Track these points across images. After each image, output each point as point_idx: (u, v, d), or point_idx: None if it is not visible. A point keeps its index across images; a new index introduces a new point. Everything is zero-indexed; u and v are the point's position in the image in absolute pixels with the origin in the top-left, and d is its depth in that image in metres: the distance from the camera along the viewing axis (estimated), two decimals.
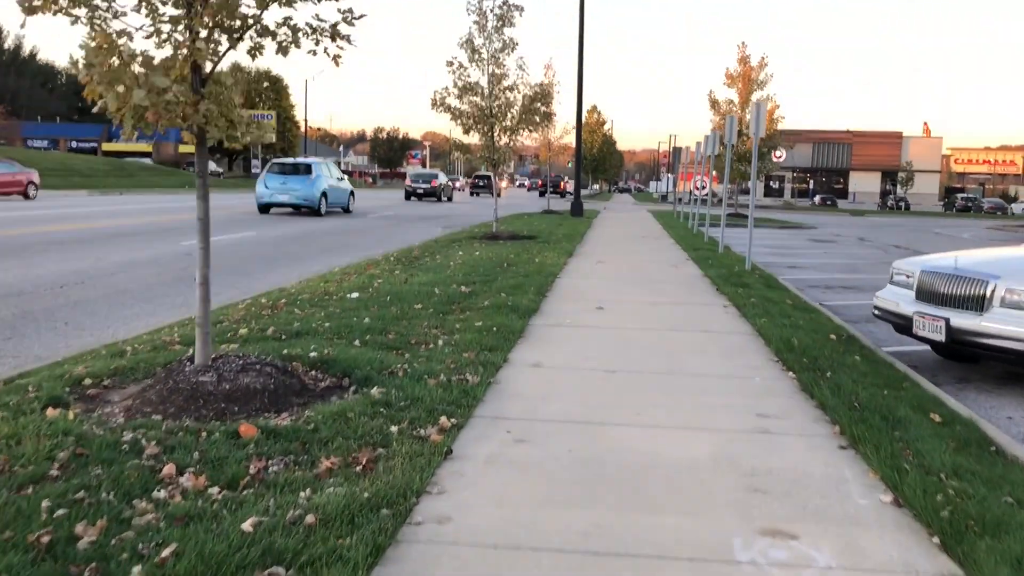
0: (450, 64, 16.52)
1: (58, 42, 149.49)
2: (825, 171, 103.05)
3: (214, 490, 3.55)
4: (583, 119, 33.42)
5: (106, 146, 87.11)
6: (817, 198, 78.45)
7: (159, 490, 3.51)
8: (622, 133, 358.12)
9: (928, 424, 4.91)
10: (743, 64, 35.58)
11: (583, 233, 20.54)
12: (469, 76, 16.66)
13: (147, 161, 79.38)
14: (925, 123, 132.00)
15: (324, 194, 26.96)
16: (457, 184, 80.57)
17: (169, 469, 3.72)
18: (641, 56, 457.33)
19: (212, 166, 78.80)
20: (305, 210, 26.61)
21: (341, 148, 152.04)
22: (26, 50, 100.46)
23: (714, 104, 36.62)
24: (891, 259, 20.58)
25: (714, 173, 35.36)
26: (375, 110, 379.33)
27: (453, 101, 16.87)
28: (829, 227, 35.82)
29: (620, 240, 19.52)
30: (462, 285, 9.84)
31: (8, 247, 13.79)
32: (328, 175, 28.12)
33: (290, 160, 30.02)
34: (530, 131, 17.13)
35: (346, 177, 32.19)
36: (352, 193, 30.59)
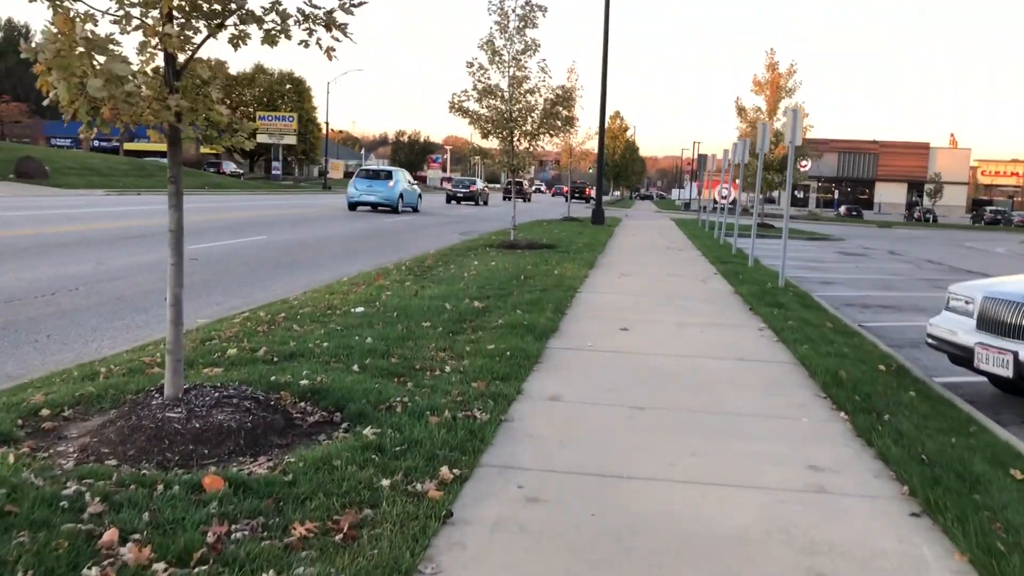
0: (469, 66, 15.91)
1: None
2: (850, 181, 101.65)
3: (159, 566, 2.91)
4: (605, 124, 32.76)
5: (128, 145, 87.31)
6: (843, 208, 77.15)
7: (91, 566, 2.87)
8: (644, 139, 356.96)
9: (1011, 484, 4.20)
10: (771, 71, 34.75)
11: (605, 242, 19.85)
12: (489, 79, 16.06)
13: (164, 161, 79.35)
14: (951, 134, 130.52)
15: (401, 196, 32.90)
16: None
17: (111, 535, 3.08)
18: (663, 63, 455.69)
19: (232, 167, 78.77)
20: (384, 208, 32.67)
21: (363, 151, 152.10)
22: None
23: (741, 111, 35.84)
24: (925, 275, 19.94)
25: (736, 181, 34.57)
26: (398, 114, 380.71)
27: (472, 104, 16.27)
28: (858, 239, 34.89)
29: (643, 251, 18.81)
30: (475, 300, 9.19)
31: (9, 248, 13.31)
32: (404, 180, 33.99)
33: (374, 167, 38.33)
34: (551, 136, 16.47)
35: (416, 183, 38.07)
36: (420, 196, 36.75)
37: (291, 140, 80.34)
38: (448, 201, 51.69)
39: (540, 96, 16.30)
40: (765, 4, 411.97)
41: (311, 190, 67.04)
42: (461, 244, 17.52)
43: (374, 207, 32.69)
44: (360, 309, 8.32)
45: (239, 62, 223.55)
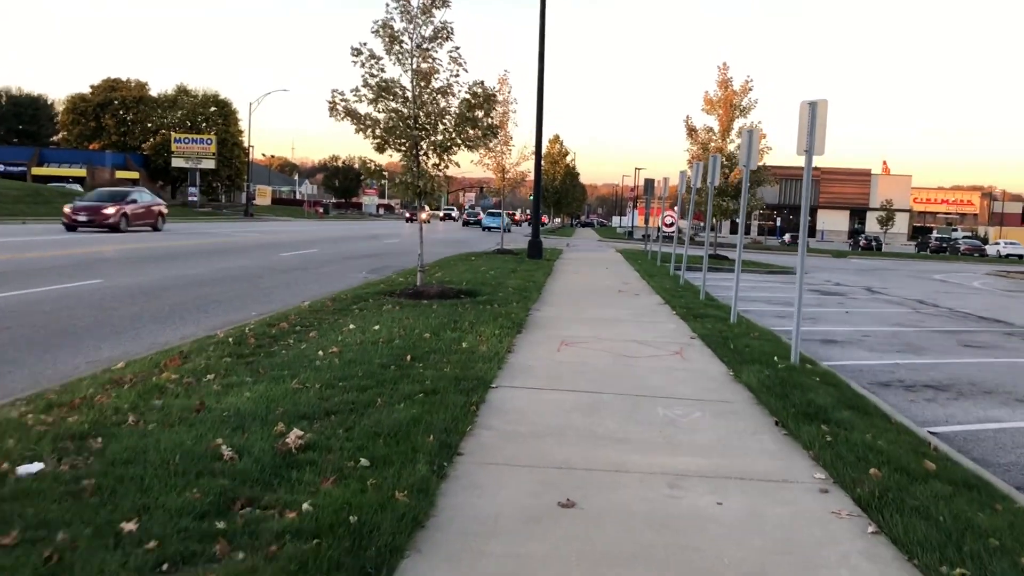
0: (356, 54, 11.81)
1: None
2: (792, 208, 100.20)
3: None
4: (543, 148, 28.99)
5: (36, 170, 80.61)
6: (787, 236, 75.08)
7: None
8: (584, 166, 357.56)
9: None
10: (724, 88, 31.55)
11: (542, 285, 15.83)
12: (384, 71, 11.98)
13: (76, 187, 72.96)
14: (884, 161, 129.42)
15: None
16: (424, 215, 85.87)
17: None
18: (602, 92, 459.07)
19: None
20: None
21: (297, 177, 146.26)
22: None
23: (691, 132, 32.53)
24: (936, 324, 15.86)
25: (674, 209, 31.18)
26: (340, 140, 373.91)
27: (363, 106, 12.16)
28: (819, 272, 31.65)
29: (591, 296, 14.83)
30: (299, 423, 5.03)
31: None
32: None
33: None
34: (468, 148, 12.41)
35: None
36: None
37: (210, 164, 74.94)
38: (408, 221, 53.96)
39: (454, 97, 12.27)
40: (707, 26, 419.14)
41: (231, 218, 61.87)
42: (351, 291, 13.29)
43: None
44: (35, 468, 4.09)
45: (161, 83, 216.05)
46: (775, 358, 8.44)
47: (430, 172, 12.38)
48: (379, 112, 12.19)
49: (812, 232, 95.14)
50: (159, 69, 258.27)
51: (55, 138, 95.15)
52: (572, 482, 4.45)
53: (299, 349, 7.77)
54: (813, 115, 8.04)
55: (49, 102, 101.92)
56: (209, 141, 74.73)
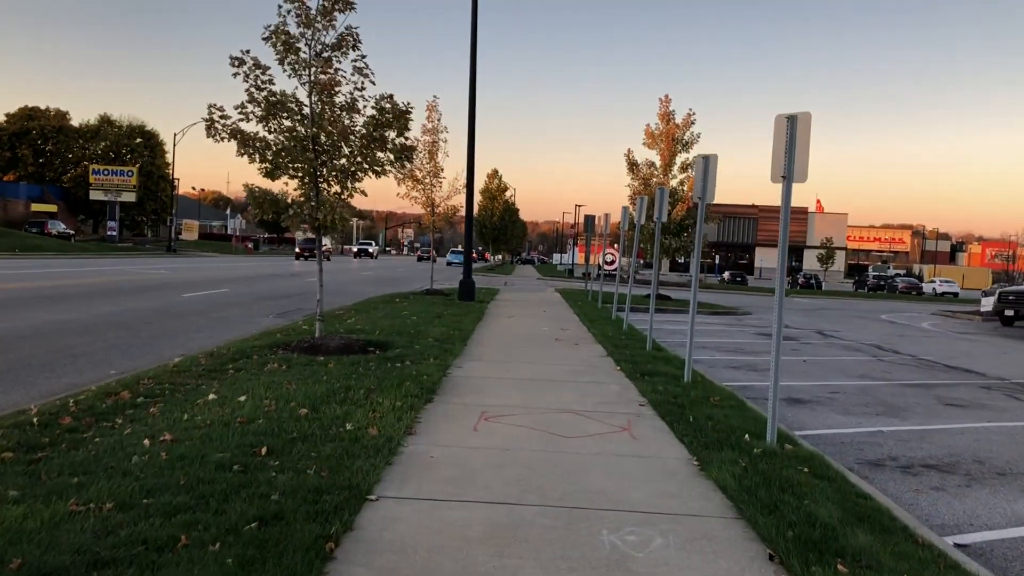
0: (238, 64, 9.86)
1: None
2: (730, 246, 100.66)
3: None
4: (481, 183, 27.30)
5: None
6: (726, 274, 74.66)
7: None
8: (524, 204, 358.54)
9: None
10: (666, 121, 30.36)
11: (468, 333, 13.93)
12: (274, 84, 10.07)
13: None
14: (818, 200, 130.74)
15: None
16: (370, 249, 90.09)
17: None
18: (543, 130, 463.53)
19: (60, 227, 68.50)
20: None
21: (228, 211, 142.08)
22: None
23: (633, 167, 31.19)
24: (905, 375, 14.18)
25: (615, 246, 29.61)
26: None
27: (252, 125, 10.22)
28: (765, 312, 30.52)
29: (523, 347, 12.98)
30: None
31: None
32: None
33: None
34: (375, 174, 10.49)
35: None
36: None
37: (130, 197, 71.39)
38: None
39: (359, 115, 10.40)
40: (650, 63, 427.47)
41: (150, 253, 58.59)
42: (238, 344, 11.19)
43: None
44: None
45: (82, 111, 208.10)
46: (746, 436, 6.70)
47: (331, 202, 10.44)
48: (269, 132, 10.26)
49: (751, 270, 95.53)
50: (82, 98, 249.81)
51: None
52: None
53: (120, 436, 5.73)
54: (706, 166, 6.43)
55: None
56: (130, 173, 71.25)
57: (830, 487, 5.47)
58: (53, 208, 76.95)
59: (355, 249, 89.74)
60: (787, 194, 6.53)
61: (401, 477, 5.15)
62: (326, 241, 52.12)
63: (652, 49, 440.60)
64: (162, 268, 35.68)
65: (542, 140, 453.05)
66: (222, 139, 9.90)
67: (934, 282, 71.32)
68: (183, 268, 37.54)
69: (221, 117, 9.88)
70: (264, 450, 5.38)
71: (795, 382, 11.95)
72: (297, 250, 65.46)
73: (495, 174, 75.61)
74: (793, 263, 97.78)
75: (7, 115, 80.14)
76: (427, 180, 23.11)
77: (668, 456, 6.12)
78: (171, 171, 76.37)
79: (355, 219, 10.93)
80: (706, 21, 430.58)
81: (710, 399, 8.45)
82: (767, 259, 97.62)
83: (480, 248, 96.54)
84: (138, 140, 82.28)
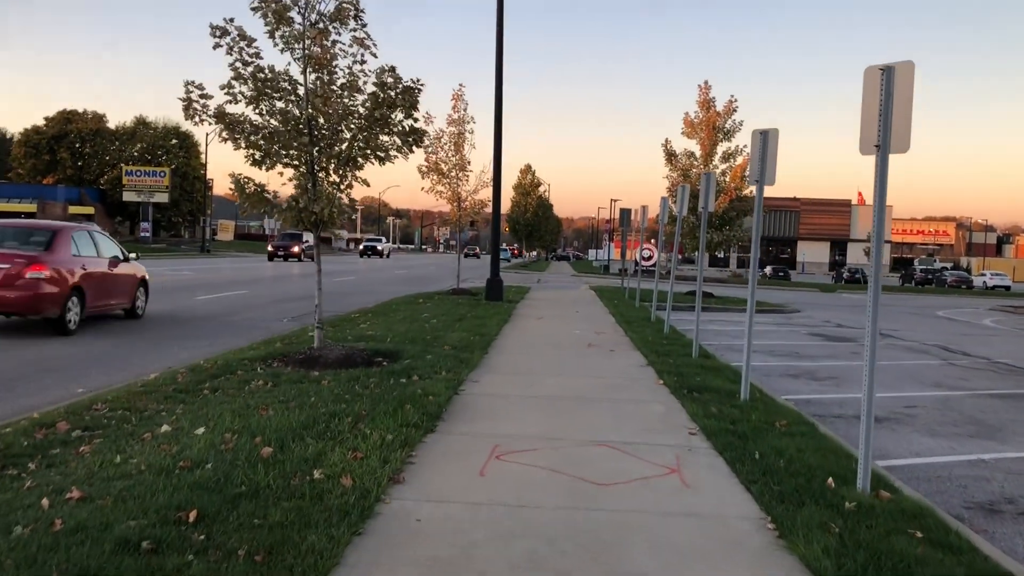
0: (220, 34, 8.58)
1: None
2: (772, 240, 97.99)
3: None
4: (513, 178, 25.86)
5: None
6: (768, 269, 72.36)
7: None
8: (559, 200, 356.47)
9: None
10: (706, 108, 28.66)
11: (491, 339, 12.55)
12: (261, 57, 8.77)
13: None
14: (859, 192, 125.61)
15: None
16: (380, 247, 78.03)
17: None
18: (579, 124, 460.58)
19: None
20: None
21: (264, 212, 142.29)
22: None
23: (671, 157, 29.56)
24: (984, 382, 11.60)
25: (652, 241, 28.05)
26: None
27: (239, 107, 8.94)
28: (811, 309, 28.71)
29: (552, 354, 11.56)
30: None
31: None
32: None
33: None
34: (379, 161, 9.14)
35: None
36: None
37: (163, 198, 71.18)
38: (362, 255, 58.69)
39: (360, 93, 9.06)
40: (689, 51, 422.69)
41: (184, 254, 58.16)
42: (229, 355, 9.91)
43: None
44: None
45: (119, 114, 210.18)
46: (830, 481, 5.22)
47: (329, 193, 9.11)
48: (258, 115, 8.96)
49: (792, 264, 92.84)
50: (118, 100, 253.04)
51: (9, 173, 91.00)
52: None
53: (14, 494, 4.44)
54: (890, 89, 4.91)
55: (9, 136, 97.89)
56: (162, 174, 71.02)
57: (957, 563, 4.00)
58: (90, 210, 77.15)
59: (362, 246, 76.42)
60: (883, 168, 5.02)
61: (368, 560, 3.77)
62: (308, 237, 49.38)
63: (691, 33, 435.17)
64: (186, 270, 34.84)
65: (578, 134, 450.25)
66: (202, 122, 8.63)
67: (984, 275, 68.27)
68: (207, 269, 36.73)
69: (201, 96, 8.60)
70: (194, 515, 4.05)
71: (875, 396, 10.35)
72: (270, 248, 51.32)
73: (528, 169, 74.25)
74: (837, 256, 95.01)
75: (46, 119, 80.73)
76: (453, 173, 21.79)
77: (732, 515, 4.67)
78: (204, 171, 76.15)
79: (352, 212, 9.61)
80: (747, 3, 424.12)
81: (775, 424, 6.96)
82: (810, 253, 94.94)
83: (505, 245, 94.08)
84: (173, 141, 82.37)
